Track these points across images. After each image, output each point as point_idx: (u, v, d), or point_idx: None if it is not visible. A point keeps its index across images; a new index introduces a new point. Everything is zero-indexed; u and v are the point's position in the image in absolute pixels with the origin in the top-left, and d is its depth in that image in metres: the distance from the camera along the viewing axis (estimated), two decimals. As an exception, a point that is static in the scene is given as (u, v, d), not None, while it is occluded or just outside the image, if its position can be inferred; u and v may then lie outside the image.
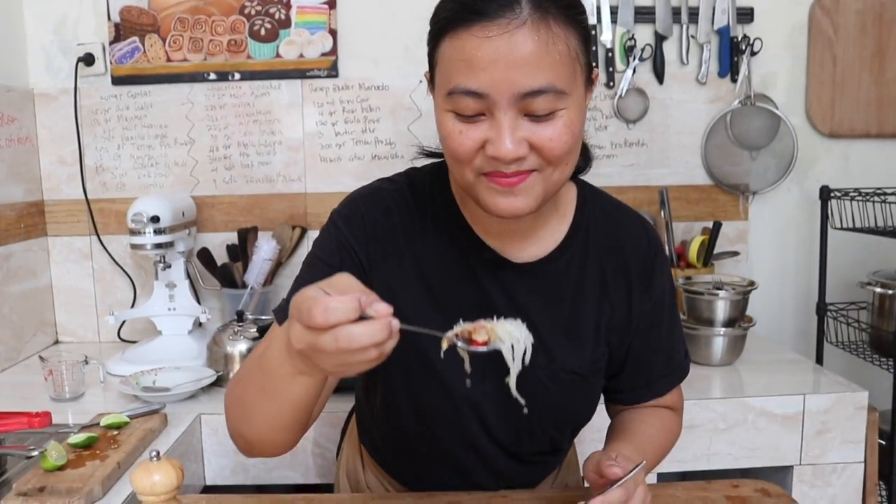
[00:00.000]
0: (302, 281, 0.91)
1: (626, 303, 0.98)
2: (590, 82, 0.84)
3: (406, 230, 0.94)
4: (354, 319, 0.64)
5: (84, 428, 1.29)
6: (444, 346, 0.74)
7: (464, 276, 0.93)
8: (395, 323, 0.66)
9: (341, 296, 0.65)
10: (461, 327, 0.75)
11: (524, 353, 0.76)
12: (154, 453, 0.69)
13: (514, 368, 0.77)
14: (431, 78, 0.86)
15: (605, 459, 0.84)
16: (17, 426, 1.29)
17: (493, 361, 0.90)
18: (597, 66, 0.84)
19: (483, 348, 0.74)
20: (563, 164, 0.82)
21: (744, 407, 1.53)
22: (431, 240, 0.94)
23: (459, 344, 0.74)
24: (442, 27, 0.79)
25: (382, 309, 0.66)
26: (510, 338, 0.76)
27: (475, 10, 0.75)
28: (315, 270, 0.91)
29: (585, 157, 1.00)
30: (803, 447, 1.54)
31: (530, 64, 0.75)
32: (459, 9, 0.77)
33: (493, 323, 0.76)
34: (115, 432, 1.28)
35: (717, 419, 1.52)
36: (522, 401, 0.81)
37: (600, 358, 0.98)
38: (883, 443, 1.65)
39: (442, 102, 0.81)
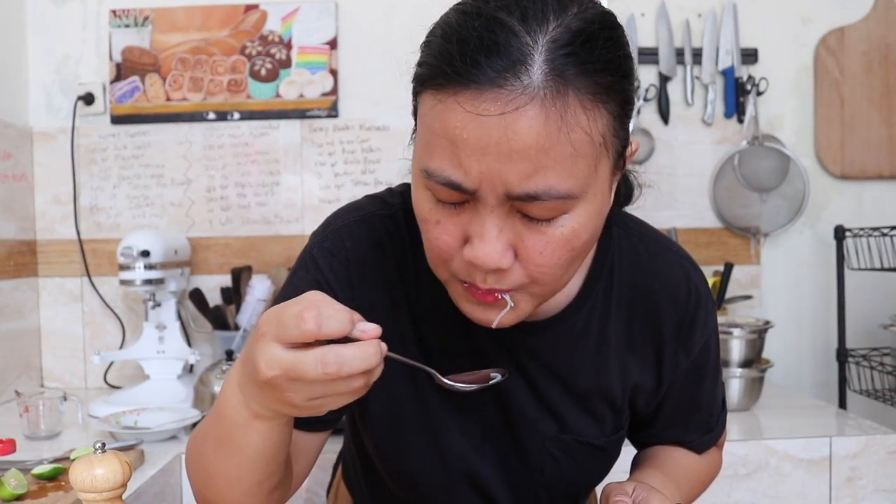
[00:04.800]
0: None
1: (655, 364, 0.82)
2: (622, 161, 0.65)
3: (399, 269, 0.77)
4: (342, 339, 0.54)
5: (53, 461, 1.19)
6: (443, 379, 0.64)
7: (461, 335, 0.76)
8: (384, 346, 0.56)
9: (334, 305, 0.54)
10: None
11: None
12: (99, 444, 0.60)
13: None
14: (415, 125, 0.68)
15: (614, 494, 0.73)
16: (-20, 456, 1.20)
17: (495, 423, 0.81)
18: (634, 144, 0.67)
19: (474, 386, 0.65)
20: (554, 281, 0.64)
21: (765, 450, 1.42)
22: (426, 286, 0.76)
23: (456, 384, 0.64)
24: (424, 77, 0.61)
25: (370, 329, 0.55)
26: None
27: (465, 75, 0.56)
28: None
29: (626, 192, 0.79)
30: (832, 496, 1.42)
31: (530, 160, 0.56)
32: (446, 63, 0.57)
33: None
34: (85, 466, 1.18)
35: (737, 463, 1.41)
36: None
37: (622, 426, 0.85)
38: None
39: (417, 172, 0.64)
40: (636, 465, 0.92)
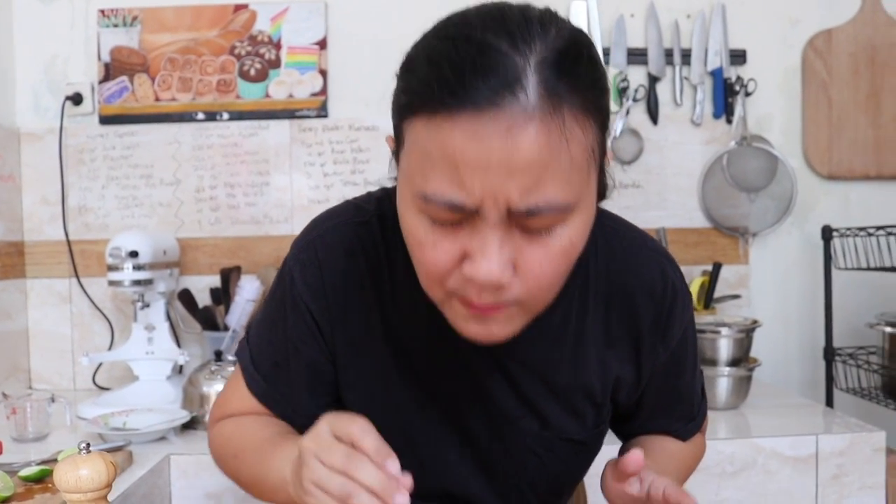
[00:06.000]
0: (264, 340, 0.84)
1: (634, 358, 0.83)
2: (602, 171, 0.68)
3: (373, 274, 0.79)
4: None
5: (40, 463, 1.19)
6: None
7: (438, 335, 0.76)
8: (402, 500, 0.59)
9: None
10: None
11: None
12: (84, 445, 0.60)
13: None
14: (397, 150, 0.67)
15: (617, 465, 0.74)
16: (-34, 459, 1.19)
17: (476, 425, 0.82)
18: (610, 154, 0.69)
19: None
20: (550, 293, 0.67)
21: (753, 448, 1.42)
22: (402, 289, 0.78)
23: None
24: (414, 104, 0.60)
25: (405, 478, 0.60)
26: None
27: (463, 97, 0.56)
28: (276, 330, 0.83)
29: (601, 187, 0.79)
30: (819, 493, 1.43)
31: (532, 175, 0.57)
32: (440, 88, 0.57)
33: None
34: (72, 467, 1.18)
35: (724, 462, 1.41)
36: None
37: (603, 420, 0.86)
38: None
39: (410, 199, 0.64)
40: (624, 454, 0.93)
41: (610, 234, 0.82)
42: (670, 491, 0.69)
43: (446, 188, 0.59)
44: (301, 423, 0.83)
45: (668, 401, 0.88)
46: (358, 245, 0.79)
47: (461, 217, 0.61)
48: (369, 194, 0.84)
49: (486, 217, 0.59)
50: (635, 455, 0.69)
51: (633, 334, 0.82)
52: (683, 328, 0.84)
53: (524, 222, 0.60)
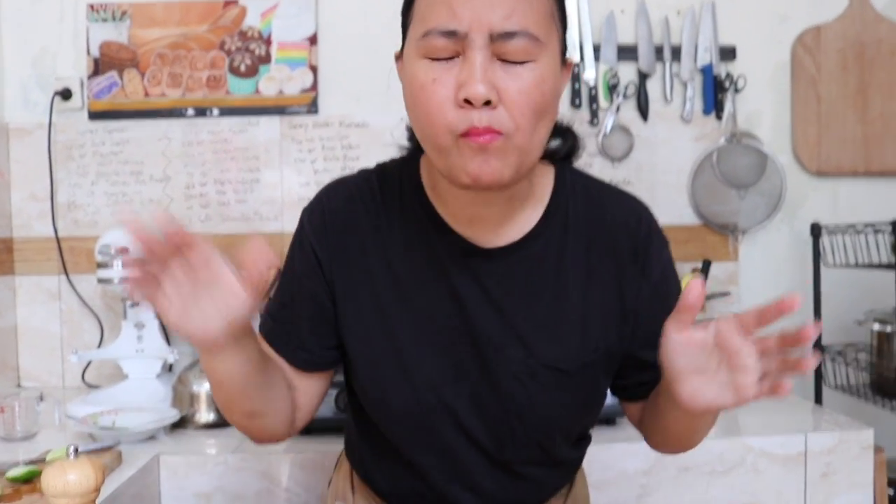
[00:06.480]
0: (278, 286, 0.95)
1: (616, 287, 0.88)
2: (565, 63, 0.83)
3: (370, 218, 0.90)
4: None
5: (28, 463, 1.18)
6: None
7: (431, 265, 0.88)
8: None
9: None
10: None
11: None
12: (73, 448, 0.60)
13: None
14: (402, 45, 0.83)
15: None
16: (-45, 461, 1.18)
17: (465, 355, 0.88)
18: (571, 59, 0.87)
19: None
20: (531, 128, 0.77)
21: (742, 447, 1.43)
22: (397, 228, 0.90)
23: None
24: None
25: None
26: None
27: None
28: (287, 273, 0.94)
29: (573, 142, 0.94)
30: (808, 491, 1.44)
31: (508, 5, 0.74)
32: None
33: None
34: (62, 467, 1.17)
35: (713, 461, 1.42)
36: None
37: (590, 353, 0.88)
38: (892, 492, 1.56)
39: (415, 50, 0.78)
40: (647, 411, 0.96)
41: (587, 179, 0.94)
42: (747, 315, 0.71)
43: (442, 19, 0.74)
44: (302, 359, 0.92)
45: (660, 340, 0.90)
46: (357, 194, 0.92)
47: (454, 48, 0.75)
48: (377, 163, 0.96)
49: (472, 42, 0.74)
50: (694, 284, 0.71)
51: (613, 265, 0.89)
52: (663, 265, 0.91)
53: (503, 49, 0.74)
